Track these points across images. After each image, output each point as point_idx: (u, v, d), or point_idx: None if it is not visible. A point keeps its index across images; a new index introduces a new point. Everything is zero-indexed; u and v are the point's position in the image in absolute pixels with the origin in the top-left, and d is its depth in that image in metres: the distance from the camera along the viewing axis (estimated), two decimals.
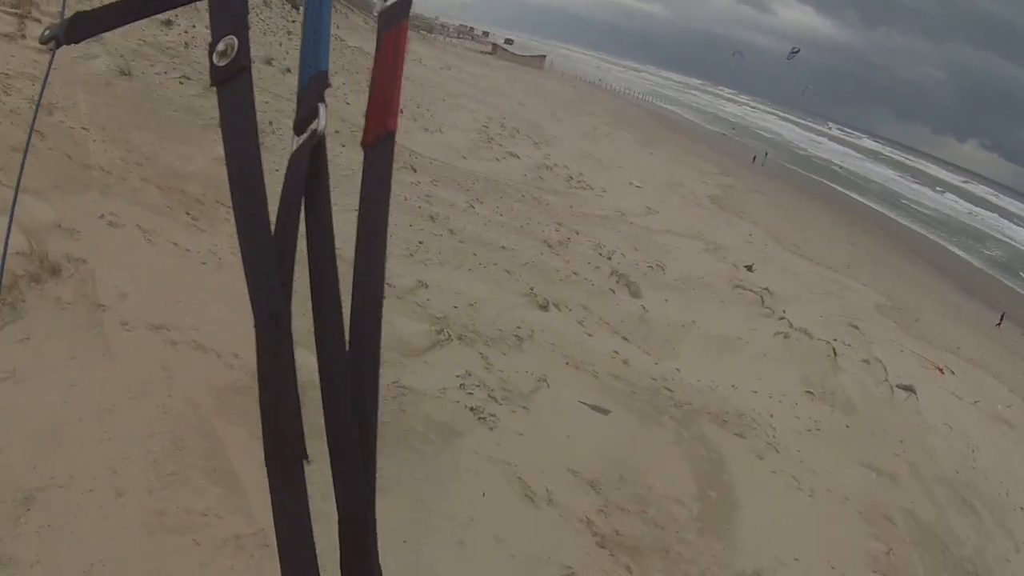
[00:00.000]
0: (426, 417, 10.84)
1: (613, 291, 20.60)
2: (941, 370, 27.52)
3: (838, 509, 14.32)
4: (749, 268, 29.26)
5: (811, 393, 19.22)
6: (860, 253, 47.03)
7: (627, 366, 16.15)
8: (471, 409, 11.52)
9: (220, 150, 1.11)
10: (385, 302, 1.04)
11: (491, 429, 11.31)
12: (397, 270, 15.88)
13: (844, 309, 29.98)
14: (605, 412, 13.59)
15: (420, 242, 18.35)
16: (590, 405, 13.61)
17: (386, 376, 11.25)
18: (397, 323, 13.35)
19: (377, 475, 1.08)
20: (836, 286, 34.02)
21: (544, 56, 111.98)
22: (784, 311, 24.52)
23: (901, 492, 16.38)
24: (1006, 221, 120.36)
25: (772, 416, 16.94)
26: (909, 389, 22.34)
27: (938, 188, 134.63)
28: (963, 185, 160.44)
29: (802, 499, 14.00)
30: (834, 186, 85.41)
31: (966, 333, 37.85)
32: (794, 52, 70.40)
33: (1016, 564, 15.92)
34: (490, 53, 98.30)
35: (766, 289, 26.52)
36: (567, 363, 14.91)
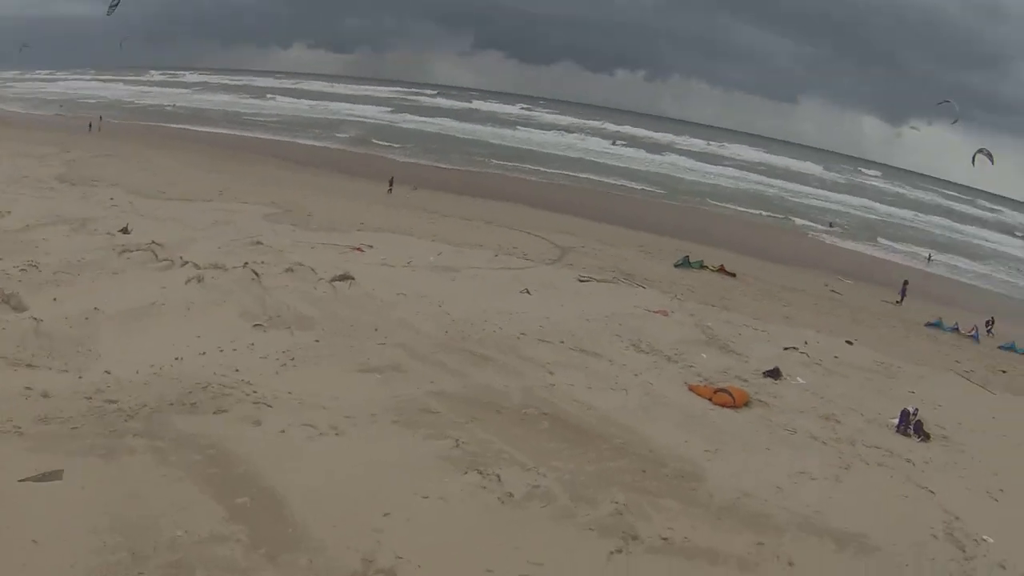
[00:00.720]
0: None
1: None
2: (360, 249, 28.50)
3: (375, 431, 13.40)
4: (125, 230, 26.75)
5: (260, 325, 17.98)
6: (229, 177, 46.79)
7: (49, 399, 13.02)
8: None
9: None
10: None
11: None
12: None
13: (239, 231, 29.48)
14: (58, 476, 10.52)
15: None
16: (38, 478, 10.44)
17: None
18: None
19: None
20: (220, 214, 33.37)
21: None
22: (182, 256, 22.82)
23: (415, 376, 16.15)
24: (346, 104, 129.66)
25: (238, 370, 15.26)
26: (346, 277, 22.29)
27: (269, 96, 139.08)
28: (294, 87, 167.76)
29: (332, 442, 12.78)
30: (175, 125, 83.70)
31: (365, 208, 40.17)
32: (113, 6, 64.72)
33: (560, 385, 16.94)
34: None
35: (154, 243, 24.24)
36: None
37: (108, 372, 14.53)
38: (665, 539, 11.31)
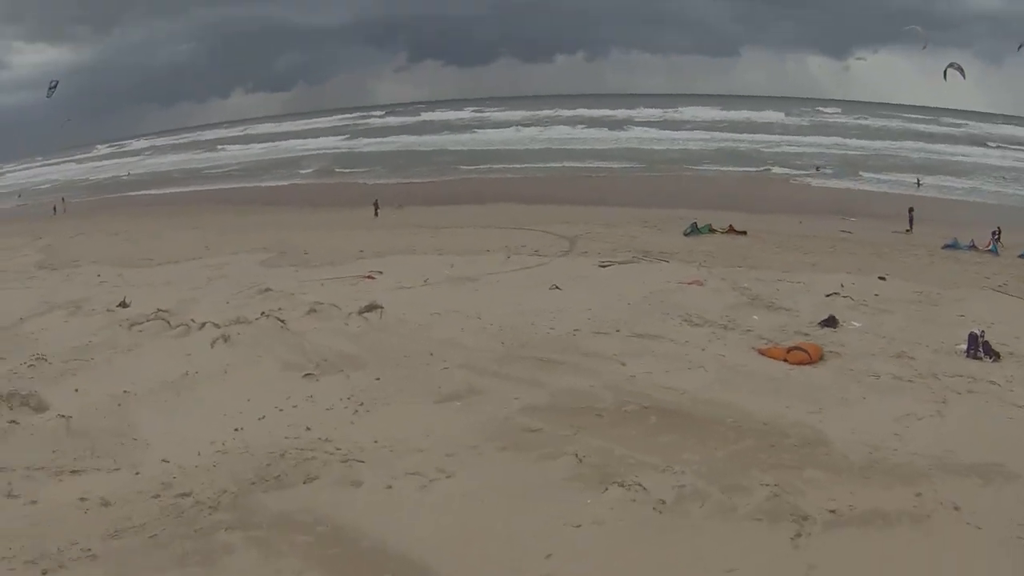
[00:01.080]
0: None
1: (17, 423, 15.07)
2: (371, 276, 27.58)
3: (486, 464, 12.28)
4: (123, 304, 25.41)
5: (311, 375, 16.71)
6: (208, 231, 45.66)
7: (111, 507, 11.37)
8: None
9: None
10: None
11: None
12: None
13: (239, 283, 28.28)
14: None
15: None
16: None
17: None
18: None
19: None
20: (214, 269, 32.26)
21: None
22: (193, 319, 21.42)
23: (495, 395, 15.28)
24: (298, 140, 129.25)
25: (310, 428, 13.97)
26: (374, 307, 21.30)
27: (220, 147, 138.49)
28: (243, 133, 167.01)
29: (447, 487, 11.56)
30: (137, 192, 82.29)
31: (357, 235, 39.42)
32: (52, 88, 63.12)
33: (639, 375, 16.10)
34: None
35: (159, 311, 22.88)
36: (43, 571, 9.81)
37: (166, 461, 12.94)
38: (833, 511, 10.45)
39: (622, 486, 11.07)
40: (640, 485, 11.06)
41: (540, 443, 12.77)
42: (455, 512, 10.71)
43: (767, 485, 11.11)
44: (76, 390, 16.63)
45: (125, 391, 16.13)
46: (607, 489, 11.02)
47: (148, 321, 21.90)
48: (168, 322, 21.53)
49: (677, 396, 14.84)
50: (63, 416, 14.81)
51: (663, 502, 10.68)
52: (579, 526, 10.15)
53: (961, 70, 51.72)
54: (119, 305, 25.39)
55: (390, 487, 11.52)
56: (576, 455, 12.11)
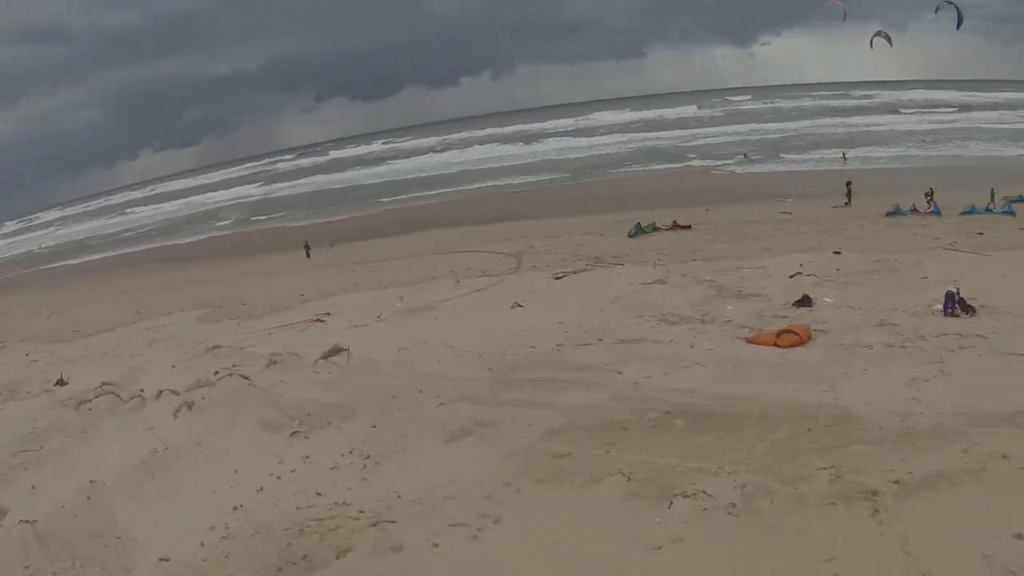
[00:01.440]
0: None
1: None
2: (321, 319, 26.88)
3: (529, 501, 11.48)
4: (61, 382, 23.71)
5: (298, 432, 15.32)
6: (135, 294, 44.00)
7: None
8: None
9: None
10: None
11: None
12: None
13: (182, 344, 26.93)
14: None
15: None
16: None
17: None
18: None
19: None
20: (150, 332, 30.82)
21: None
22: (143, 389, 19.84)
23: (506, 425, 14.42)
24: (212, 193, 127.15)
25: (320, 494, 12.65)
26: (338, 350, 20.30)
27: (129, 210, 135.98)
28: (152, 193, 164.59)
29: (498, 533, 10.67)
30: (52, 265, 79.53)
31: (293, 279, 38.62)
32: None
33: (641, 381, 15.62)
34: None
35: (104, 384, 21.13)
36: None
37: (165, 559, 11.30)
38: (896, 482, 10.31)
39: (686, 497, 10.52)
40: (704, 492, 10.56)
41: (577, 467, 11.96)
42: (520, 558, 9.78)
43: (824, 469, 10.88)
44: (33, 487, 14.88)
45: (91, 481, 14.42)
46: (671, 503, 10.42)
47: (96, 398, 20.15)
48: (118, 395, 19.89)
49: (689, 396, 14.36)
50: (26, 521, 13.05)
51: (733, 505, 10.21)
52: (660, 547, 9.48)
53: (888, 38, 52.30)
54: (56, 384, 23.63)
55: (436, 544, 10.40)
56: (622, 473, 11.40)
